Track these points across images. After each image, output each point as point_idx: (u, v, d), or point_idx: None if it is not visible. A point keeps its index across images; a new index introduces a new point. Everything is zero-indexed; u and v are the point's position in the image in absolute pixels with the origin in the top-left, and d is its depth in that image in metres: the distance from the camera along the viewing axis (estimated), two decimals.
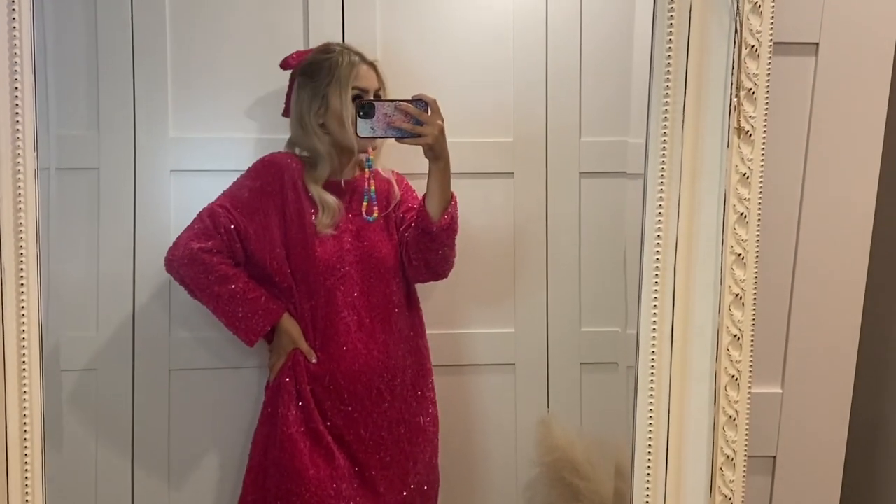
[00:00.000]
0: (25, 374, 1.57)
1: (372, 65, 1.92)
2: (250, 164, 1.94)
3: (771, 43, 1.60)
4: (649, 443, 1.64)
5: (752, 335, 1.64)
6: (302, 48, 2.03)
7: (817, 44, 1.80)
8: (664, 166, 1.61)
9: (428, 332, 2.05)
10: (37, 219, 1.57)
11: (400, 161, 2.02)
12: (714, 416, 1.64)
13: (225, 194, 1.92)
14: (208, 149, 2.10)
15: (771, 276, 1.84)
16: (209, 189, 1.93)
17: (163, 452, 2.13)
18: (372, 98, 1.89)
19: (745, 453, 1.65)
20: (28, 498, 1.58)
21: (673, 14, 1.58)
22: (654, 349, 1.63)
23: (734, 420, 1.63)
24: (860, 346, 1.90)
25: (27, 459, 1.59)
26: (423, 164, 1.86)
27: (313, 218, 1.90)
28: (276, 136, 2.03)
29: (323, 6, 2.08)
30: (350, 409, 1.91)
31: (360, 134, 1.78)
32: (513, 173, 2.18)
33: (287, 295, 1.92)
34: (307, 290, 1.91)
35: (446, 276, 1.99)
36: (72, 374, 2.09)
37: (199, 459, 2.15)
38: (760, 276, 1.63)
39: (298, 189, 1.91)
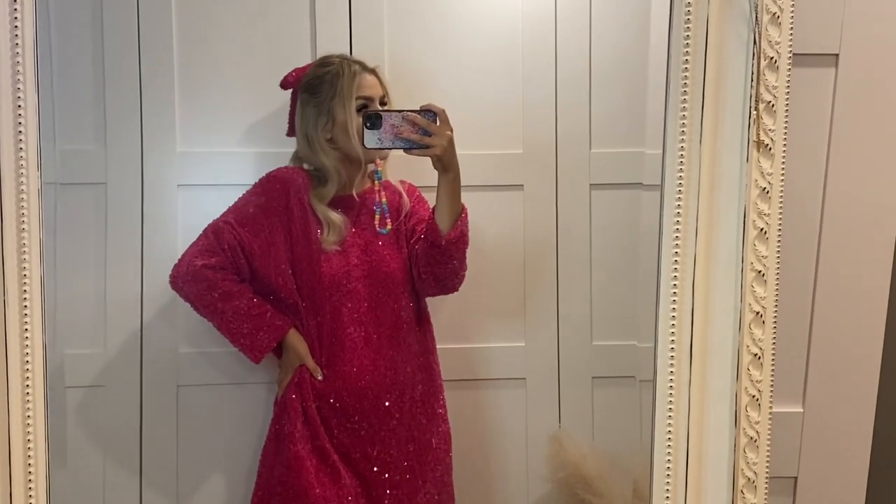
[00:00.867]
0: (29, 394, 1.54)
1: (373, 72, 1.87)
2: (258, 179, 1.91)
3: (790, 54, 1.56)
4: (668, 464, 1.59)
5: (773, 354, 1.59)
6: (310, 61, 1.99)
7: (837, 55, 1.77)
8: (682, 180, 1.56)
9: (438, 346, 2.00)
10: (41, 238, 1.53)
11: (416, 172, 1.97)
12: (735, 437, 1.57)
13: (230, 210, 1.88)
14: (216, 163, 2.06)
15: (791, 292, 1.79)
16: (217, 203, 1.90)
17: (171, 469, 2.09)
18: (378, 105, 1.85)
19: (767, 474, 1.59)
20: None
21: (690, 25, 1.54)
22: (672, 369, 1.58)
23: (755, 441, 1.58)
24: (883, 363, 1.85)
25: (31, 479, 1.55)
26: (435, 176, 1.81)
27: (319, 234, 1.85)
28: (284, 150, 1.99)
29: (330, 19, 2.04)
30: (357, 427, 1.87)
31: (367, 145, 1.73)
32: (522, 186, 2.14)
33: (293, 311, 1.88)
34: (313, 306, 1.87)
35: (456, 289, 1.94)
36: (79, 390, 2.06)
37: (208, 476, 2.11)
38: (780, 292, 1.59)
39: (304, 205, 1.87)
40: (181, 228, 2.02)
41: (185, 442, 2.09)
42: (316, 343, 1.87)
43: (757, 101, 1.54)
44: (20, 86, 1.47)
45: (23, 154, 1.49)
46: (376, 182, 1.91)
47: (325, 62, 1.88)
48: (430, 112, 1.72)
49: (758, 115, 1.55)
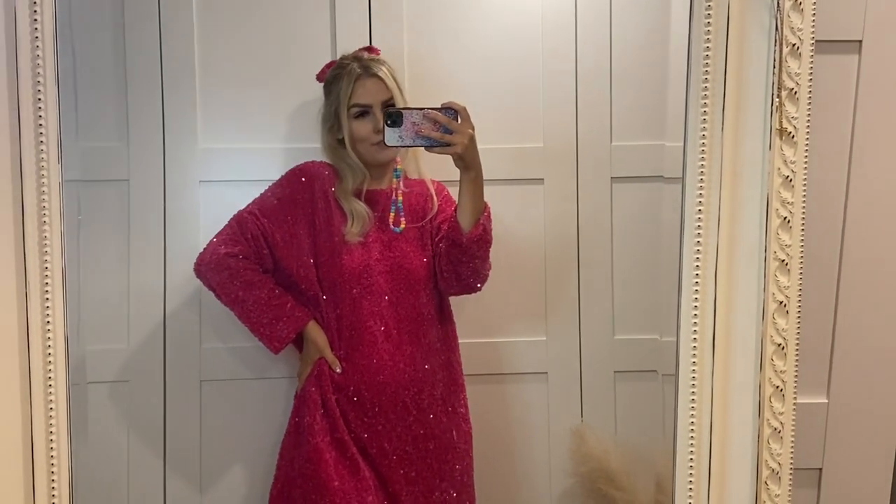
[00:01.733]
0: (52, 388, 1.54)
1: (376, 75, 1.83)
2: (279, 174, 1.91)
3: (813, 41, 1.52)
4: (691, 456, 1.56)
5: (797, 344, 1.56)
6: (329, 56, 2.00)
7: (860, 41, 1.73)
8: (703, 170, 1.53)
9: (459, 341, 1.98)
10: (62, 232, 1.51)
11: (443, 169, 1.93)
12: (758, 428, 1.53)
13: (255, 201, 1.88)
14: (237, 159, 2.06)
15: (815, 282, 1.75)
16: (238, 199, 1.89)
17: (195, 463, 2.09)
18: (378, 111, 1.81)
19: (791, 466, 1.55)
20: None
21: (710, 13, 1.51)
22: (695, 360, 1.55)
23: (779, 432, 1.55)
24: None
25: (54, 473, 1.54)
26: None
27: (343, 227, 1.84)
28: (306, 146, 1.99)
29: (350, 14, 2.03)
30: (374, 421, 1.85)
31: (387, 143, 1.70)
32: (543, 180, 2.12)
33: (314, 303, 1.87)
34: (333, 298, 1.85)
35: (478, 289, 1.90)
36: (103, 385, 2.05)
37: (231, 469, 2.11)
38: (804, 281, 1.56)
39: (328, 198, 1.86)
40: (203, 224, 2.02)
41: (208, 436, 2.09)
42: (335, 336, 1.86)
43: (779, 89, 1.51)
44: (40, 78, 1.47)
45: (43, 147, 1.48)
46: (394, 180, 1.89)
47: (338, 63, 1.87)
48: (451, 110, 1.69)
49: (780, 103, 1.51)
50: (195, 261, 1.85)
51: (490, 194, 1.79)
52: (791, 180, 1.53)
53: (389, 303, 1.86)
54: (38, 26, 1.46)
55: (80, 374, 1.95)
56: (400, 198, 1.88)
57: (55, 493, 1.53)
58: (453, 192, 1.85)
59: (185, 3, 2.00)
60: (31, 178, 1.48)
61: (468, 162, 1.72)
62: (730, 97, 1.52)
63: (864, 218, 1.78)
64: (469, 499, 1.95)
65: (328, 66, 1.90)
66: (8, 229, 1.49)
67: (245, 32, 2.04)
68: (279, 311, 1.83)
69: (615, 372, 2.16)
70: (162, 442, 2.07)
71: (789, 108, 1.52)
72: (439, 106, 1.70)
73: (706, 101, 1.52)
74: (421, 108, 1.69)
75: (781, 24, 1.49)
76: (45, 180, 1.49)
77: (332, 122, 1.86)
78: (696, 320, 1.55)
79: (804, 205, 1.54)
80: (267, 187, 1.89)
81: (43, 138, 1.48)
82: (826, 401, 1.84)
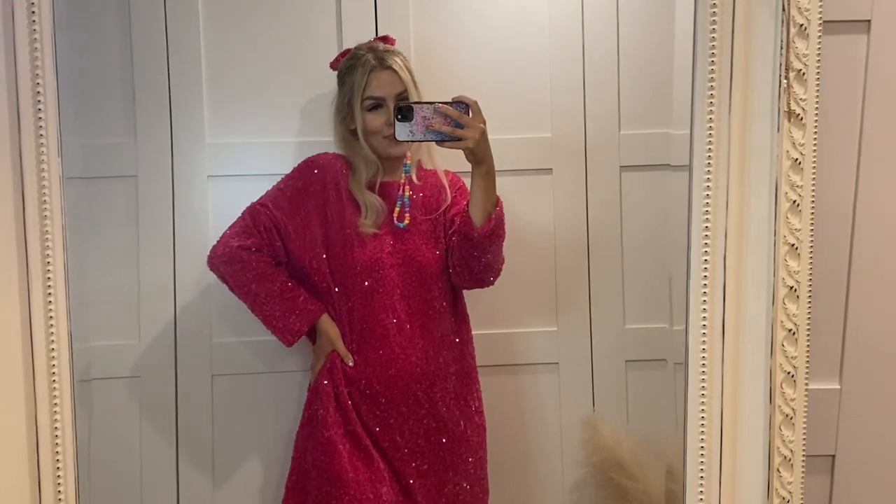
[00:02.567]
0: (56, 383, 1.52)
1: (391, 67, 1.79)
2: (288, 168, 1.89)
3: (821, 21, 1.48)
4: (702, 444, 1.52)
5: (809, 329, 1.52)
6: (336, 48, 1.98)
7: (869, 21, 1.69)
8: (711, 154, 1.49)
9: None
10: (63, 226, 1.49)
11: (456, 162, 1.89)
12: (770, 415, 1.49)
13: (267, 193, 1.86)
14: (245, 153, 2.05)
15: (826, 266, 1.71)
16: (247, 194, 1.87)
17: (207, 458, 2.07)
18: (391, 103, 1.77)
19: (803, 453, 1.50)
20: None
21: None
22: (704, 346, 1.51)
23: (791, 419, 1.51)
24: None
25: (59, 469, 1.52)
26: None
27: (355, 219, 1.81)
28: (314, 139, 1.98)
29: (356, 4, 2.01)
30: (386, 414, 1.82)
31: (398, 138, 1.68)
32: (551, 169, 2.09)
33: (326, 296, 1.84)
34: (345, 291, 1.83)
35: (491, 283, 1.87)
36: (114, 381, 2.04)
37: (243, 463, 2.09)
38: (815, 266, 1.52)
39: (341, 190, 1.83)
40: (212, 219, 2.01)
41: (220, 431, 2.07)
42: (347, 328, 1.83)
43: (787, 70, 1.47)
44: (39, 71, 1.45)
45: (43, 141, 1.46)
46: (403, 175, 1.85)
47: (353, 53, 1.84)
48: (462, 103, 1.66)
49: (788, 85, 1.48)
50: (208, 253, 1.84)
51: (498, 185, 1.76)
52: (800, 163, 1.49)
53: (401, 296, 1.82)
54: (35, 18, 1.44)
55: (87, 371, 1.94)
56: (407, 193, 1.84)
57: (61, 489, 1.50)
58: (468, 182, 1.81)
59: None
60: (31, 172, 1.46)
61: (479, 156, 1.68)
62: (737, 79, 1.48)
63: (875, 199, 1.74)
64: (482, 491, 1.92)
65: (342, 54, 1.87)
66: (9, 223, 1.47)
67: (251, 25, 2.02)
68: (292, 303, 1.81)
69: (626, 361, 2.13)
70: (174, 437, 2.05)
71: (797, 89, 1.48)
72: (450, 100, 1.67)
73: (713, 83, 1.48)
74: (431, 103, 1.66)
75: (788, 4, 1.45)
76: (45, 174, 1.47)
77: (345, 113, 1.83)
78: (705, 307, 1.51)
79: (814, 187, 1.50)
80: (279, 180, 1.86)
81: (43, 131, 1.46)
82: (838, 387, 1.80)
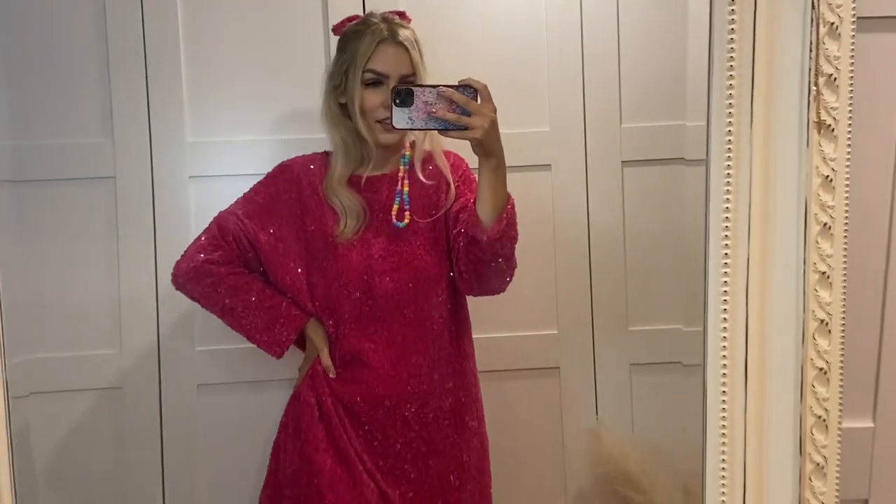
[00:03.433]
0: None
1: (401, 44, 1.60)
2: (272, 167, 1.74)
3: (854, 18, 1.33)
4: (723, 457, 1.38)
5: (842, 366, 1.38)
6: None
7: None
8: (730, 174, 1.34)
9: None
10: None
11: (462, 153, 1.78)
12: (801, 466, 1.37)
13: (237, 202, 1.70)
14: (228, 153, 1.99)
15: (859, 296, 1.54)
16: (230, 194, 1.76)
17: (192, 470, 2.00)
18: (396, 86, 1.53)
19: (837, 496, 1.39)
20: None
21: None
22: (724, 397, 1.36)
23: (822, 468, 1.37)
24: None
25: None
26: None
27: (335, 226, 1.64)
28: (298, 137, 1.90)
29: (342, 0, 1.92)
30: (369, 436, 1.66)
31: (395, 125, 1.47)
32: (550, 165, 2.02)
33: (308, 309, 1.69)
34: (327, 306, 1.66)
35: (502, 290, 1.67)
36: (94, 393, 1.99)
37: (230, 476, 2.01)
38: (848, 296, 1.37)
39: (320, 196, 1.66)
40: (194, 221, 1.93)
41: (205, 442, 2.01)
42: (332, 344, 1.67)
43: (816, 76, 1.33)
44: None
45: None
46: (402, 167, 1.66)
47: (363, 19, 1.64)
48: (469, 87, 1.45)
49: (818, 92, 1.33)
50: (172, 271, 1.69)
51: None
52: (832, 181, 1.34)
53: (395, 306, 1.64)
54: None
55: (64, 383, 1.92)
56: (406, 188, 1.65)
57: None
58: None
59: None
60: None
61: (489, 148, 1.47)
62: (759, 86, 1.33)
63: None
64: None
65: (349, 19, 1.67)
66: None
67: (232, 19, 1.95)
68: (274, 312, 1.65)
69: (631, 365, 2.05)
70: (159, 449, 1.99)
71: (828, 97, 1.33)
72: (456, 83, 1.47)
73: (731, 92, 1.32)
74: (435, 86, 1.46)
75: (818, 0, 1.32)
76: None
77: (338, 82, 1.63)
78: (724, 354, 1.34)
79: (847, 208, 1.35)
80: (252, 185, 1.72)
81: None
82: (872, 425, 1.66)
